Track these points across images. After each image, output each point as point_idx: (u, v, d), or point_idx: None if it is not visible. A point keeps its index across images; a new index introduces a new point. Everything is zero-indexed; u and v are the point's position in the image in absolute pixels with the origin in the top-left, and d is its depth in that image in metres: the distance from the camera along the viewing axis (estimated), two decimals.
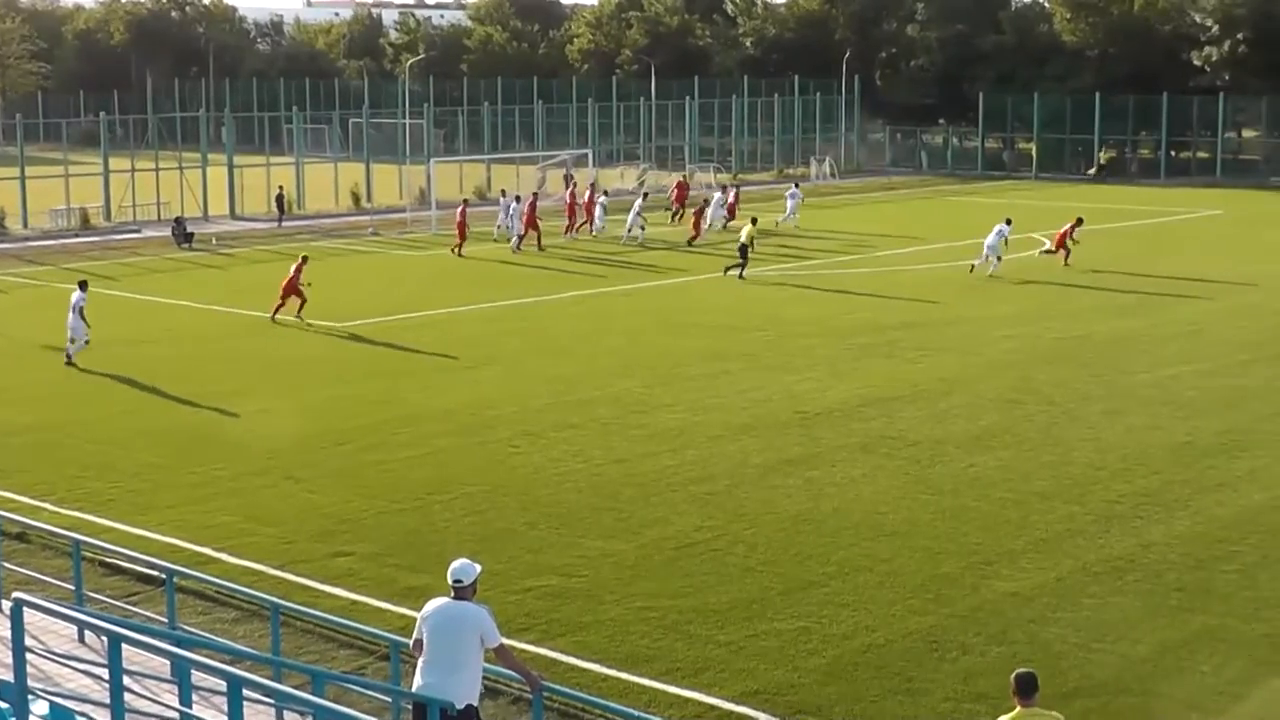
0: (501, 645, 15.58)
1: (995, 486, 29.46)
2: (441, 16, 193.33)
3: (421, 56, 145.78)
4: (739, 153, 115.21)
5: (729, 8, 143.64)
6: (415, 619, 15.83)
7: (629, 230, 70.10)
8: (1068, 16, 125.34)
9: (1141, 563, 24.82)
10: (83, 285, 42.59)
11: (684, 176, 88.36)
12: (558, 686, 17.97)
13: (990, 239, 58.74)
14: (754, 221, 62.37)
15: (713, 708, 19.42)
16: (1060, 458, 31.62)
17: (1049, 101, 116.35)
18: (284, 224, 77.80)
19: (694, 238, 69.60)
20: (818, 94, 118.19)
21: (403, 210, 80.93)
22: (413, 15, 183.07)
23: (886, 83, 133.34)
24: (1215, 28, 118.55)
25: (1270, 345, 44.22)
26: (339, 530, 26.76)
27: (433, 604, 15.57)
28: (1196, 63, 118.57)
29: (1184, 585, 23.80)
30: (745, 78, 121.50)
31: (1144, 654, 21.04)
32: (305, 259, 49.52)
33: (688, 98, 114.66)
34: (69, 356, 41.18)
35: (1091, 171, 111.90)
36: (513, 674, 16.64)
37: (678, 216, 77.27)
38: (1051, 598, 23.20)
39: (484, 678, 15.87)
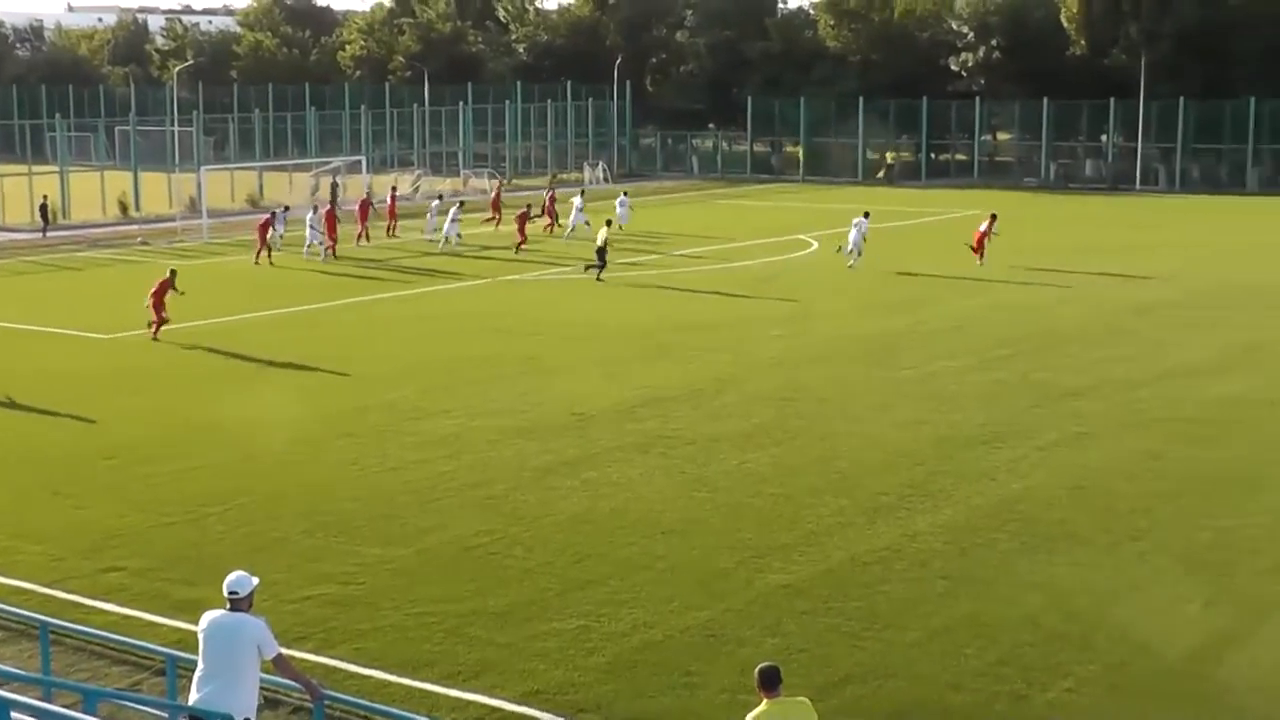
0: (280, 655, 15.46)
1: (767, 482, 29.74)
2: (210, 22, 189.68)
3: (190, 63, 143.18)
4: (513, 158, 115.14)
5: (501, 14, 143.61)
6: (190, 632, 15.62)
7: (445, 236, 69.74)
8: (831, 24, 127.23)
9: (908, 552, 25.25)
10: None
11: (501, 183, 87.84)
12: (338, 694, 17.66)
13: (852, 234, 60.59)
14: (609, 224, 63.17)
15: (495, 709, 19.28)
16: (829, 452, 32.04)
17: (814, 106, 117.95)
18: (49, 234, 75.73)
19: (520, 243, 68.96)
20: (590, 100, 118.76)
21: (173, 219, 79.42)
22: (179, 21, 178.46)
23: (657, 88, 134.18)
24: (970, 35, 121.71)
25: (1027, 340, 45.17)
26: (109, 545, 26.02)
27: (208, 616, 15.41)
28: (954, 68, 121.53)
29: (948, 573, 24.28)
30: (519, 84, 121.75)
31: (911, 640, 21.38)
32: (174, 272, 47.67)
33: (461, 104, 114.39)
34: None
35: (880, 174, 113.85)
36: (292, 684, 16.41)
37: (497, 222, 76.15)
38: (823, 589, 23.49)
39: (262, 689, 15.70)
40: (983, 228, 62.13)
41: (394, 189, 78.99)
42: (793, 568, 24.56)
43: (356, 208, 73.57)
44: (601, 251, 59.03)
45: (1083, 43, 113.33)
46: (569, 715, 19.20)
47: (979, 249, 61.47)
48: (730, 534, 26.47)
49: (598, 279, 58.13)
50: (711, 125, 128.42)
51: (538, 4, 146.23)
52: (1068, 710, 19.32)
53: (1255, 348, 43.89)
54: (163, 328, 45.95)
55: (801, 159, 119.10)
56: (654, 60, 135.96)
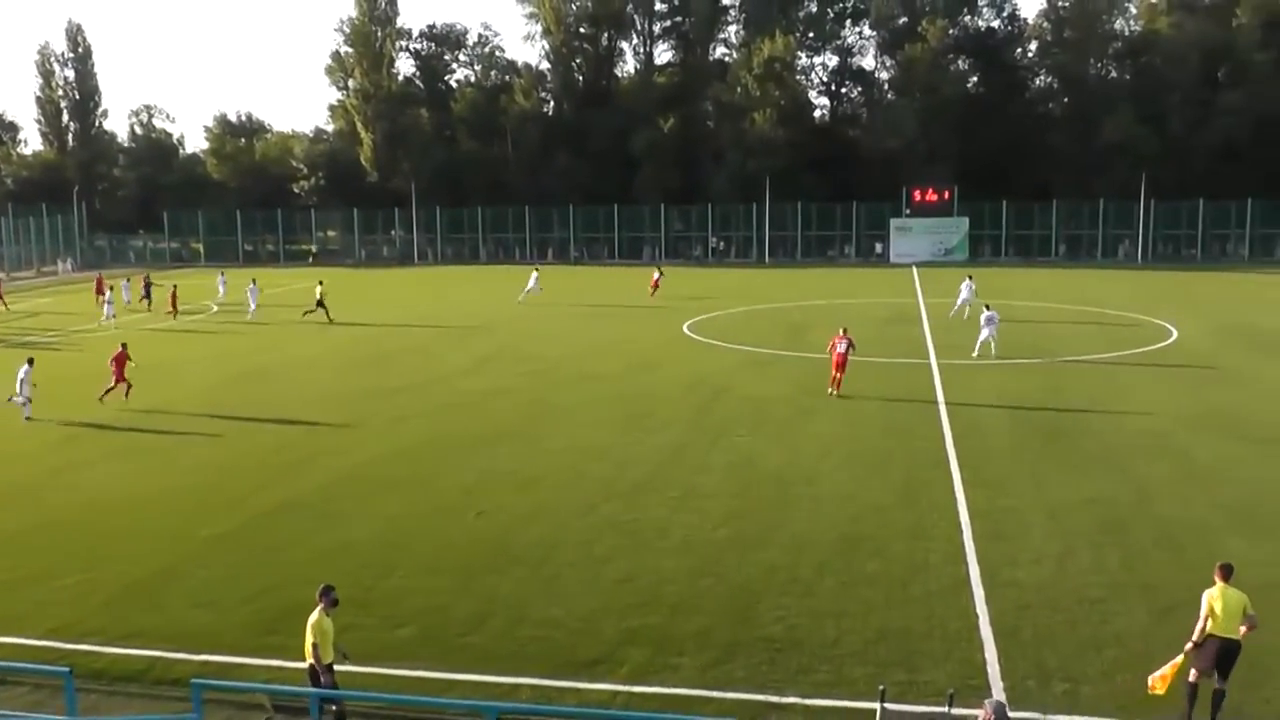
0: None
1: (206, 469, 28.21)
2: None
3: None
4: (11, 259, 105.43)
5: None
6: None
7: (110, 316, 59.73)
8: (216, 162, 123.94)
9: (295, 504, 24.56)
10: None
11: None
12: None
13: (530, 282, 64.86)
14: (321, 283, 61.62)
15: (27, 646, 17.64)
16: (259, 445, 30.61)
17: (210, 216, 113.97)
18: None
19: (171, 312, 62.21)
20: (59, 215, 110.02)
21: None
22: None
23: (104, 206, 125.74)
24: (305, 169, 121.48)
25: (369, 360, 44.70)
26: None
27: None
28: (297, 191, 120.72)
29: (324, 514, 23.77)
30: (9, 205, 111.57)
31: (300, 558, 20.86)
32: (125, 345, 38.80)
33: None
34: None
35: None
36: None
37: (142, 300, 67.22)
38: (241, 534, 22.65)
39: None
40: (655, 278, 67.72)
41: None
42: (221, 522, 23.52)
43: None
44: (320, 301, 58.29)
45: (375, 174, 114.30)
46: (78, 640, 17.78)
47: (655, 287, 66.85)
48: (177, 504, 25.04)
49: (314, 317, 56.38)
50: (142, 231, 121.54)
51: (18, 150, 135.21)
52: (397, 590, 19.40)
53: (489, 358, 44.82)
54: (116, 391, 37.23)
55: (203, 250, 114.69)
56: (100, 187, 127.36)
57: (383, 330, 54.43)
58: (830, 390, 35.57)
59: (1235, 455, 27.80)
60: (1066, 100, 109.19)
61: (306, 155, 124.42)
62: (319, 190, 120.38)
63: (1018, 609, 18.24)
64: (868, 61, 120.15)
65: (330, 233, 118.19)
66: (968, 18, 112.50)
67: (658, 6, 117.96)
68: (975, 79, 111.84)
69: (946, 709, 13.25)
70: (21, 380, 34.80)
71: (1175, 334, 48.75)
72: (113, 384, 37.31)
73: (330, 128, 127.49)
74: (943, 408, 33.54)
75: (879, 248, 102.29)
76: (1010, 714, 12.00)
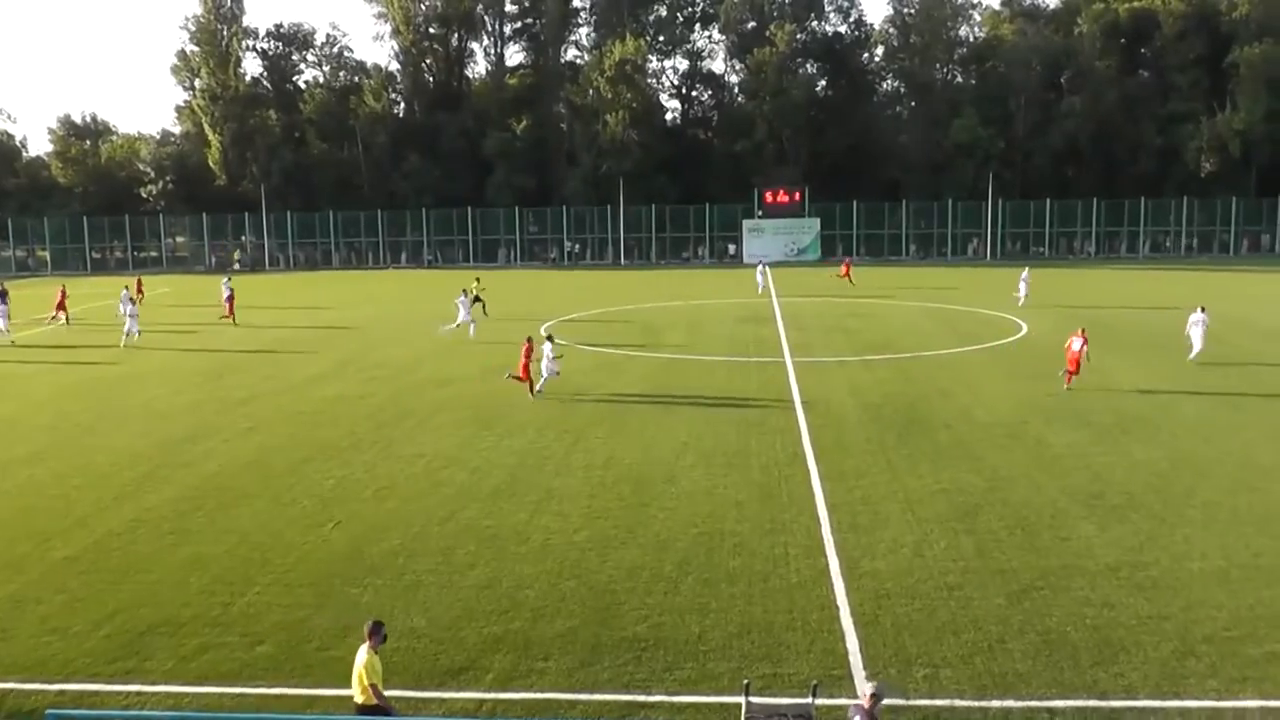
0: None
1: (46, 487, 26.97)
2: None
3: None
4: None
5: None
6: None
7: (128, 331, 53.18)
8: (60, 165, 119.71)
9: (146, 520, 23.68)
10: None
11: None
12: None
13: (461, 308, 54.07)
14: (478, 280, 61.88)
15: None
16: (91, 461, 29.36)
17: (55, 222, 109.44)
18: None
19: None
20: None
21: None
22: None
23: None
24: (152, 173, 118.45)
25: (214, 373, 43.53)
26: None
27: None
28: (145, 195, 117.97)
29: (174, 530, 22.93)
30: None
31: (155, 578, 20.11)
32: (531, 339, 37.61)
33: None
34: None
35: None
36: None
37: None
38: (93, 554, 21.65)
39: None
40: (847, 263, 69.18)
41: None
42: (69, 544, 22.36)
43: None
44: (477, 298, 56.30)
45: (224, 177, 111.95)
46: None
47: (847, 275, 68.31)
48: (23, 526, 23.77)
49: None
50: None
51: None
52: (255, 606, 18.84)
53: (339, 365, 43.82)
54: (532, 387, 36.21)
55: (50, 259, 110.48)
56: None
57: (230, 337, 53.18)
58: (1065, 385, 35.50)
59: (1082, 442, 28.72)
60: (914, 104, 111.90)
61: (154, 158, 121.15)
62: (167, 194, 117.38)
63: (877, 598, 18.52)
64: (717, 65, 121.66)
65: (179, 238, 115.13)
66: (815, 23, 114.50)
67: (508, 7, 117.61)
68: (824, 83, 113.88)
69: (810, 700, 13.37)
70: None
71: (1025, 328, 50.18)
72: (523, 377, 36.26)
73: (177, 129, 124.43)
74: (798, 404, 33.96)
75: (732, 249, 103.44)
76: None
